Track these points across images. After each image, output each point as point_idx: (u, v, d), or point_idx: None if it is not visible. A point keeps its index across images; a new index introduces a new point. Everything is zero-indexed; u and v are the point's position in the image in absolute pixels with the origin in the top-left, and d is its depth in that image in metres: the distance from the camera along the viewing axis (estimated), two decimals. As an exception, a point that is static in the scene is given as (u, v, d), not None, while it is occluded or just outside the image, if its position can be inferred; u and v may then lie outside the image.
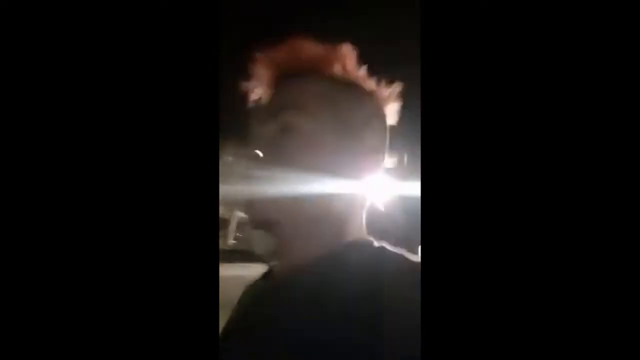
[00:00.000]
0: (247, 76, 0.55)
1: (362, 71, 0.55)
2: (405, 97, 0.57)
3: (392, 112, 0.57)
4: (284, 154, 0.49)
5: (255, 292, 0.57)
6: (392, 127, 0.57)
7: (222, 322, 0.55)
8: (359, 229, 0.53)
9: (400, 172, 0.58)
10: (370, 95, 0.55)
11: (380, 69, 0.56)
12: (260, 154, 0.51)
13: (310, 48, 0.53)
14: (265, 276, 0.59)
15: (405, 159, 0.58)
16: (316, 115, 0.50)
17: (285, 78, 0.53)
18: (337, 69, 0.53)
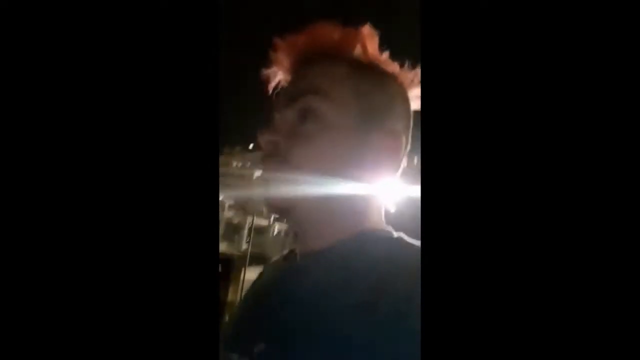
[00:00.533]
0: (268, 63, 0.55)
1: (385, 54, 0.53)
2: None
3: (415, 96, 0.55)
4: (303, 138, 0.49)
5: (275, 273, 0.58)
6: (416, 112, 0.56)
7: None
8: (377, 218, 0.53)
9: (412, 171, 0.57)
10: (392, 78, 0.54)
11: (404, 52, 0.54)
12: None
13: (330, 31, 0.52)
14: (286, 258, 0.59)
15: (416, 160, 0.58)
16: (336, 99, 0.49)
17: (306, 63, 0.53)
18: (358, 51, 0.52)
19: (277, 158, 0.49)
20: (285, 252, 0.61)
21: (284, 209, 0.51)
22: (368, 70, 0.53)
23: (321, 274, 0.47)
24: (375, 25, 0.53)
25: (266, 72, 0.55)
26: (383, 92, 0.53)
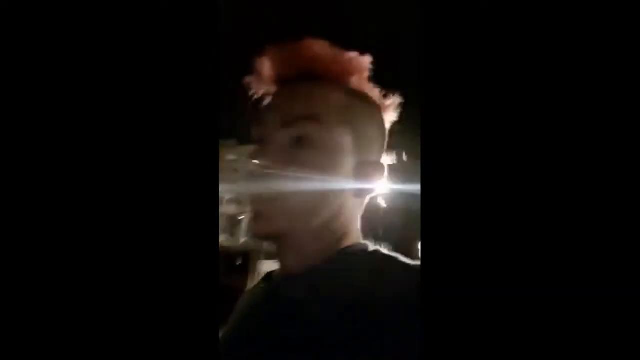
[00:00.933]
0: (258, 74, 0.54)
1: (371, 83, 0.54)
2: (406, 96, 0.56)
3: (389, 121, 0.57)
4: (296, 163, 0.48)
5: (254, 296, 0.58)
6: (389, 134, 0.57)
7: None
8: (355, 234, 0.53)
9: (399, 168, 0.58)
10: (377, 107, 0.55)
11: (380, 78, 0.55)
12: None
13: (324, 51, 0.51)
14: (264, 280, 0.59)
15: (404, 155, 0.59)
16: (334, 128, 0.49)
17: (298, 81, 0.52)
18: (355, 80, 0.53)
19: (265, 180, 0.48)
20: (261, 276, 0.60)
21: (274, 236, 0.50)
22: (360, 98, 0.53)
23: (304, 295, 0.47)
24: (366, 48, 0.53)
25: (249, 79, 0.54)
26: (372, 122, 0.53)
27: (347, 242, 0.51)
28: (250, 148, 0.51)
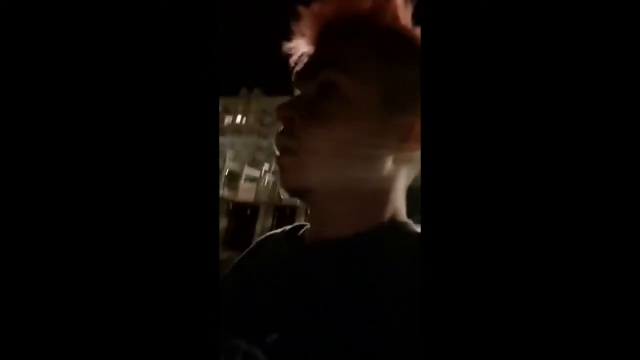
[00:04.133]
0: (290, 34, 0.51)
1: (417, 28, 0.49)
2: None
3: None
4: (321, 116, 0.45)
5: (282, 253, 0.55)
6: None
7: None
8: (398, 208, 0.49)
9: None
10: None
11: None
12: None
13: (359, 1, 0.48)
14: (289, 235, 0.56)
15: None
16: (360, 75, 0.46)
17: (331, 34, 0.48)
18: (389, 20, 0.48)
19: (292, 138, 0.46)
20: (288, 227, 0.58)
21: (301, 192, 0.48)
22: (397, 44, 0.48)
23: (335, 266, 0.45)
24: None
25: (288, 45, 0.51)
26: (410, 70, 0.47)
27: (387, 216, 0.48)
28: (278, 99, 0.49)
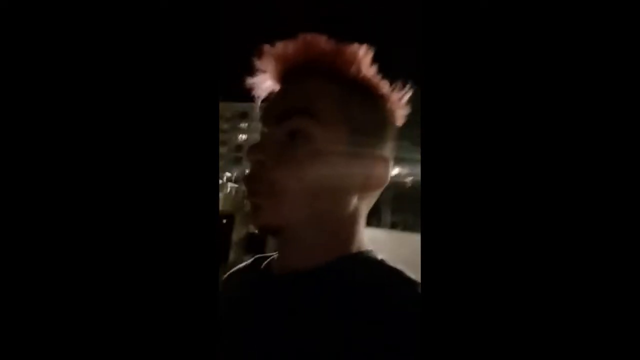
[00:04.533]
0: (255, 70, 0.53)
1: (375, 74, 0.52)
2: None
3: (402, 116, 0.55)
4: (291, 160, 0.48)
5: (251, 287, 0.57)
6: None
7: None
8: (362, 238, 0.52)
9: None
10: (383, 100, 0.53)
11: (390, 71, 0.53)
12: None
13: (323, 45, 0.50)
14: (252, 267, 0.59)
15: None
16: (328, 122, 0.48)
17: (296, 77, 0.51)
18: (353, 71, 0.51)
19: (261, 180, 0.48)
20: (249, 260, 0.60)
21: (272, 229, 0.50)
22: (360, 91, 0.51)
23: (305, 295, 0.47)
24: (369, 42, 0.51)
25: (251, 80, 0.54)
26: (374, 116, 0.51)
27: (352, 247, 0.51)
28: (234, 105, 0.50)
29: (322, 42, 0.50)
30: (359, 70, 0.51)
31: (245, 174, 0.51)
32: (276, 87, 0.53)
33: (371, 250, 0.52)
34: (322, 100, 0.49)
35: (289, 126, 0.48)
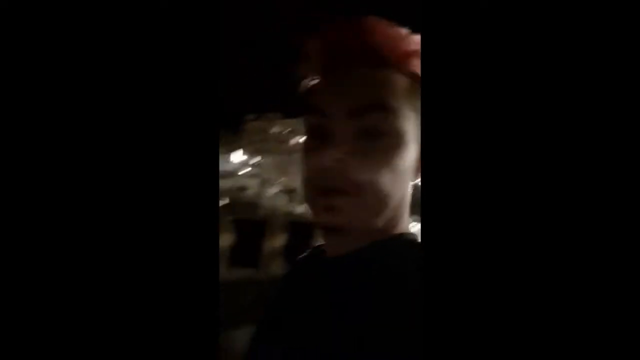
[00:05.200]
0: (308, 58, 0.49)
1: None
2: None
3: None
4: (371, 158, 0.46)
5: (304, 271, 0.58)
6: None
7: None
8: (405, 222, 0.52)
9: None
10: None
11: None
12: None
13: (387, 31, 0.47)
14: (312, 255, 0.59)
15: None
16: (402, 116, 0.47)
17: (359, 66, 0.47)
18: (415, 63, 0.48)
19: (341, 179, 0.46)
20: (309, 250, 0.60)
21: (345, 230, 0.48)
22: (416, 81, 0.49)
23: (355, 272, 0.47)
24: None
25: (297, 65, 0.51)
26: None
27: (396, 230, 0.51)
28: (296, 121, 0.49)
29: (384, 27, 0.48)
30: (417, 60, 0.48)
31: (309, 172, 0.48)
32: (328, 76, 0.49)
33: (412, 234, 0.52)
34: (395, 93, 0.47)
35: (365, 122, 0.46)
